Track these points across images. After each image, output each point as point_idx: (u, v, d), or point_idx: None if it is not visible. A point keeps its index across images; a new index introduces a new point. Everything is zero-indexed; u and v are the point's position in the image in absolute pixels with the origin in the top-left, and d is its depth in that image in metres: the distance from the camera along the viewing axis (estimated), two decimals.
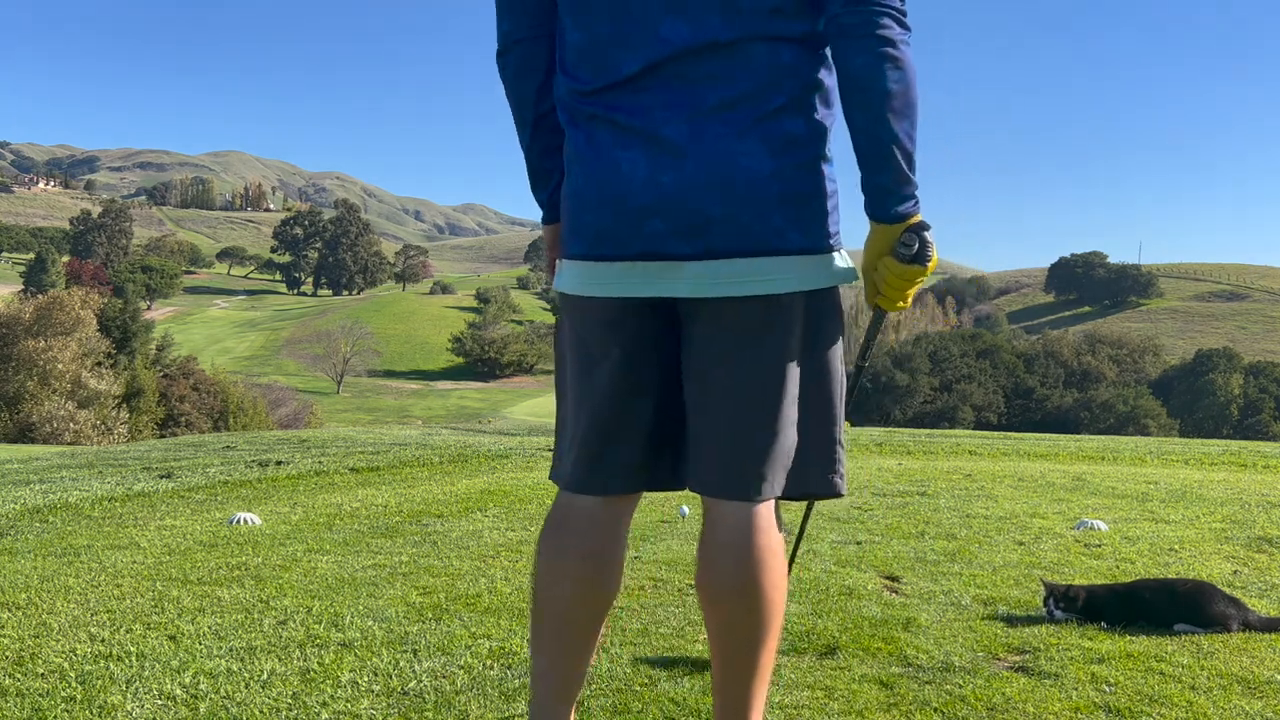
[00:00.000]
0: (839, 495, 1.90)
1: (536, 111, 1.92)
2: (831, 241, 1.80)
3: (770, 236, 1.74)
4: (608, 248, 1.78)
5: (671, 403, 1.88)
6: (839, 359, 1.89)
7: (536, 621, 1.93)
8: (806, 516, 2.37)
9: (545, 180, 1.98)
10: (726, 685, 1.86)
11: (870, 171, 1.73)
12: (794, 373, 1.81)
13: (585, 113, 1.81)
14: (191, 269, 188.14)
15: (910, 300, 1.84)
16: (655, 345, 1.85)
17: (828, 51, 1.79)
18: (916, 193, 1.76)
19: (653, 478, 1.91)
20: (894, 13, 1.69)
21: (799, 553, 4.19)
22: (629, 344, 1.84)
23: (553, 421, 2.08)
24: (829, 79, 1.80)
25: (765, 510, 1.83)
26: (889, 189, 1.73)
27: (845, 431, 1.94)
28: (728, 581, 1.80)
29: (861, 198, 1.76)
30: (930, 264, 1.78)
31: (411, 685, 2.56)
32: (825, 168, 1.80)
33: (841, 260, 1.83)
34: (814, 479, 1.87)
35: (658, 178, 1.73)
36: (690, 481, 1.88)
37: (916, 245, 1.76)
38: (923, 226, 1.76)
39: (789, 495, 1.85)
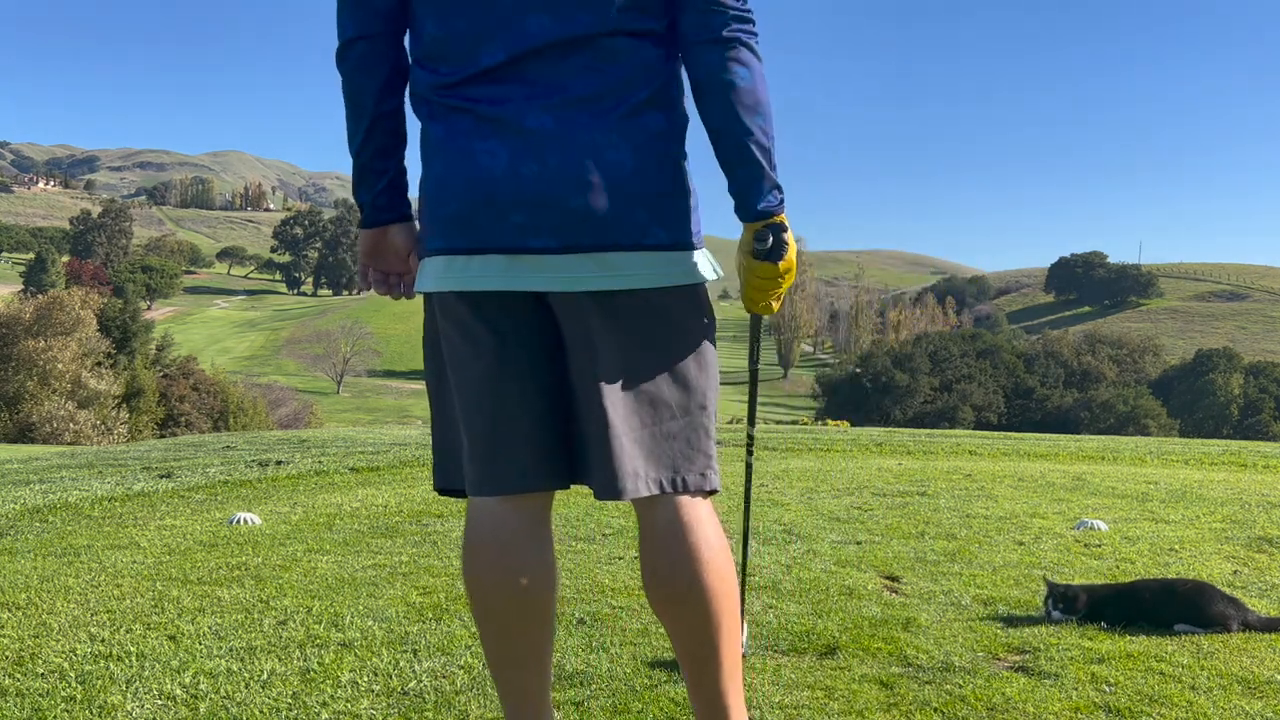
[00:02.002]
0: (713, 490, 1.85)
1: (376, 110, 1.85)
2: (694, 239, 1.81)
3: (633, 231, 1.74)
4: (469, 239, 1.75)
5: (559, 396, 1.84)
6: (709, 356, 1.86)
7: (483, 638, 1.88)
8: (747, 516, 2.36)
9: (373, 181, 1.90)
10: (699, 686, 1.85)
11: (730, 170, 1.76)
12: (661, 369, 1.80)
13: (445, 105, 1.78)
14: (191, 269, 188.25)
15: (776, 305, 1.85)
16: (530, 339, 1.81)
17: (678, 65, 1.81)
18: (778, 192, 1.77)
19: (552, 476, 1.84)
20: (738, 14, 1.73)
21: (786, 555, 4.20)
22: (501, 338, 1.80)
23: None
24: (682, 93, 1.82)
25: (693, 505, 1.80)
26: (748, 185, 1.75)
27: (718, 427, 1.91)
28: (668, 583, 1.79)
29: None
30: (784, 263, 1.78)
31: (411, 685, 2.56)
32: (685, 164, 1.81)
33: (703, 259, 1.83)
34: (689, 476, 1.82)
35: (519, 169, 1.72)
36: (581, 479, 1.86)
37: (770, 241, 1.76)
38: (782, 226, 1.77)
39: (668, 492, 1.80)
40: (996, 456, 10.61)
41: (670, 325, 1.81)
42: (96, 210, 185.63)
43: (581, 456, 1.84)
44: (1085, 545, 4.50)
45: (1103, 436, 20.97)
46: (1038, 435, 18.56)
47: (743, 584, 2.45)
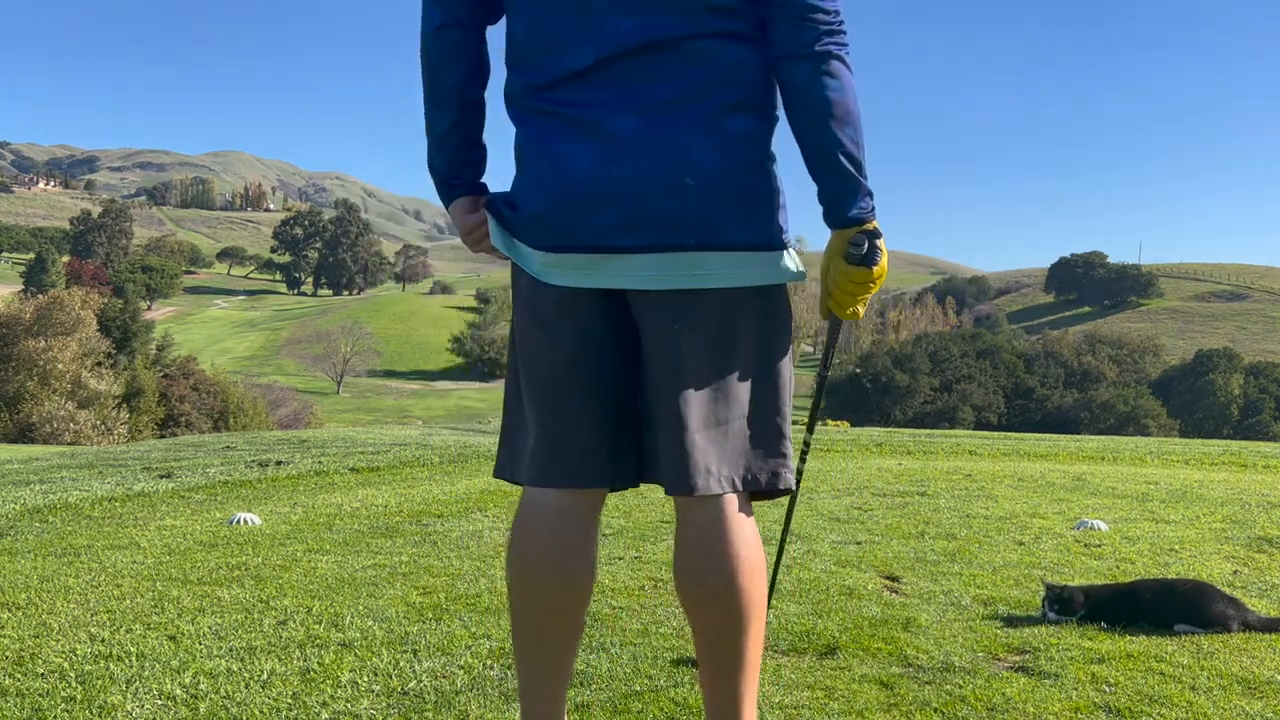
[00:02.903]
0: (788, 490, 1.89)
1: (462, 98, 1.89)
2: (780, 239, 1.82)
3: (717, 231, 1.76)
4: (557, 239, 1.78)
5: (630, 396, 1.87)
6: (786, 357, 1.89)
7: (517, 625, 1.91)
8: (788, 519, 2.37)
9: (461, 170, 1.94)
10: (714, 686, 1.86)
11: (821, 180, 1.78)
12: (740, 367, 1.82)
13: (534, 108, 1.81)
14: (191, 269, 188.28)
15: (862, 309, 1.87)
16: (609, 337, 1.85)
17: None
18: (870, 199, 1.80)
19: (616, 474, 1.89)
20: (829, 27, 1.74)
21: (786, 555, 4.19)
22: (580, 333, 1.84)
23: None
24: (774, 96, 1.83)
25: (735, 504, 1.82)
26: (840, 194, 1.77)
27: (796, 427, 1.96)
28: (704, 581, 1.80)
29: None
30: (877, 268, 1.81)
31: (411, 685, 2.56)
32: (772, 166, 1.83)
33: (789, 259, 1.84)
34: (761, 475, 1.85)
35: (606, 171, 1.74)
36: (647, 476, 1.89)
37: (865, 247, 1.78)
38: (875, 232, 1.80)
39: (739, 490, 1.83)
40: (996, 456, 10.61)
41: (751, 325, 1.83)
42: (96, 210, 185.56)
43: (650, 453, 1.86)
44: (1085, 545, 4.50)
45: (1103, 436, 20.98)
46: (1038, 435, 18.56)
47: (772, 585, 2.48)
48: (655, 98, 1.74)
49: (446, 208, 1.98)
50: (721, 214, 1.76)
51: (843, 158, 1.75)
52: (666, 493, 1.82)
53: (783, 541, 2.49)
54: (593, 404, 1.85)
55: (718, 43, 1.75)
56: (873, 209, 1.80)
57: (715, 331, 1.80)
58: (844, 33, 1.76)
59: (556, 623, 1.89)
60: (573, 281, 1.80)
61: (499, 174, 1.98)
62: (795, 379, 1.94)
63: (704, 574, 1.80)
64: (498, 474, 2.00)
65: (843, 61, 1.76)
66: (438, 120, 1.92)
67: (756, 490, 1.84)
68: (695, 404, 1.79)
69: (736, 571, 1.79)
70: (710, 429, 1.80)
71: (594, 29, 1.75)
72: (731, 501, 1.82)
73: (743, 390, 1.83)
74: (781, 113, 1.82)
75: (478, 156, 1.95)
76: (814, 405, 2.29)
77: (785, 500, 2.29)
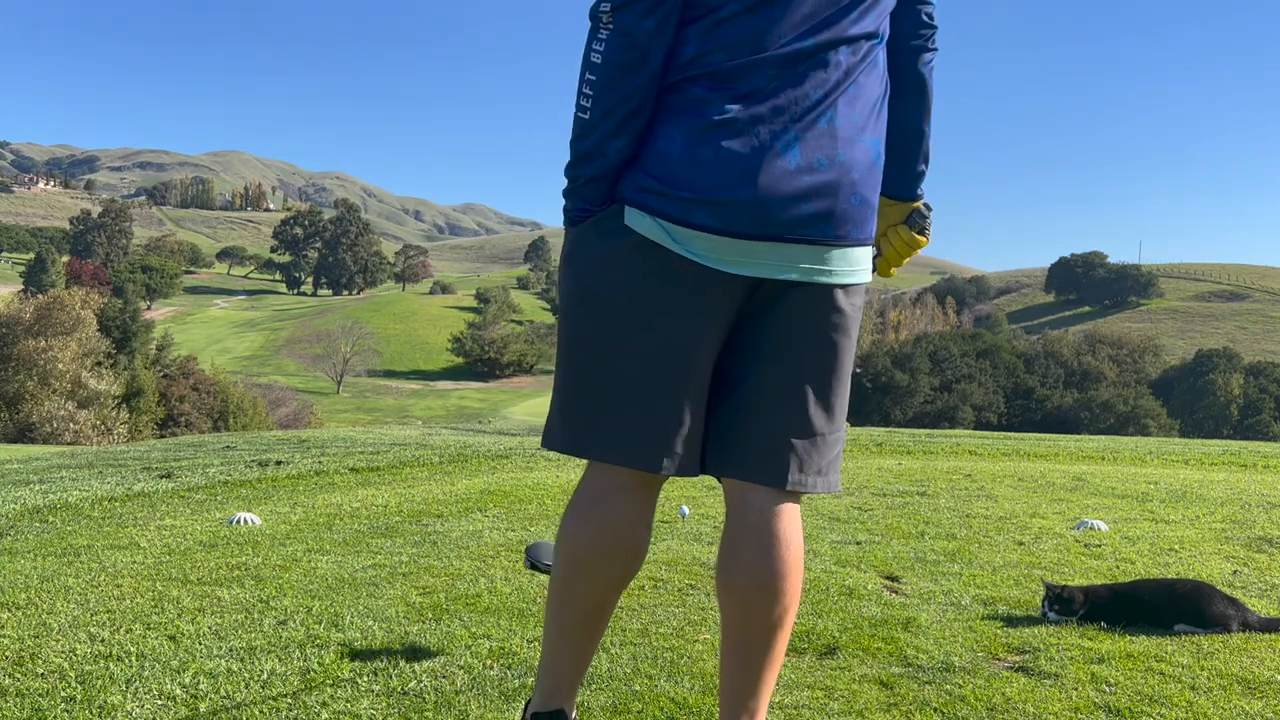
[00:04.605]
0: (838, 491, 1.97)
1: (657, 70, 1.75)
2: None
3: (869, 225, 1.86)
4: (749, 225, 1.73)
5: (711, 384, 1.88)
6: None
7: (566, 596, 1.92)
8: None
9: (617, 164, 1.80)
10: (736, 680, 1.86)
11: (910, 158, 1.99)
12: (851, 364, 1.91)
13: (737, 91, 1.74)
14: (191, 269, 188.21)
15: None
16: (725, 323, 1.83)
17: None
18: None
19: (687, 461, 1.86)
20: (936, 29, 1.97)
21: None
22: (698, 321, 1.79)
23: None
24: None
25: (793, 502, 1.87)
26: (919, 173, 2.02)
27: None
28: (751, 571, 1.82)
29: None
30: (928, 235, 2.06)
31: (411, 685, 2.56)
32: None
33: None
34: (831, 474, 1.92)
35: (812, 161, 1.75)
36: (726, 467, 1.87)
37: (929, 216, 2.04)
38: (929, 205, 2.06)
39: (816, 490, 1.89)
40: (996, 456, 10.61)
41: (857, 322, 1.92)
42: (96, 210, 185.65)
43: (729, 443, 1.86)
44: (1085, 545, 4.50)
45: (1103, 436, 20.97)
46: (1038, 435, 18.56)
47: None
48: (847, 94, 1.81)
49: (596, 209, 1.83)
50: (867, 208, 1.84)
51: (928, 145, 2.01)
52: (751, 479, 1.84)
53: None
54: (689, 390, 1.82)
55: (878, 43, 1.87)
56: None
57: (850, 326, 1.88)
58: None
59: (603, 600, 1.94)
60: (739, 269, 1.75)
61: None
62: None
63: (756, 563, 1.82)
64: (553, 447, 1.94)
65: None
66: (641, 107, 1.77)
67: (825, 491, 1.91)
68: (814, 398, 1.86)
69: (785, 568, 1.82)
70: (818, 424, 1.86)
71: (801, 21, 1.76)
72: (791, 503, 1.87)
73: (845, 389, 1.92)
74: None
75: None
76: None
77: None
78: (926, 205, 2.06)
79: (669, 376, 1.80)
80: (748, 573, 1.83)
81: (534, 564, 2.92)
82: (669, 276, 1.77)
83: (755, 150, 1.72)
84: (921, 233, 2.05)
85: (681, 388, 1.81)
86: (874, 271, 2.00)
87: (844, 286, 1.84)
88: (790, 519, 1.85)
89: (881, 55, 1.88)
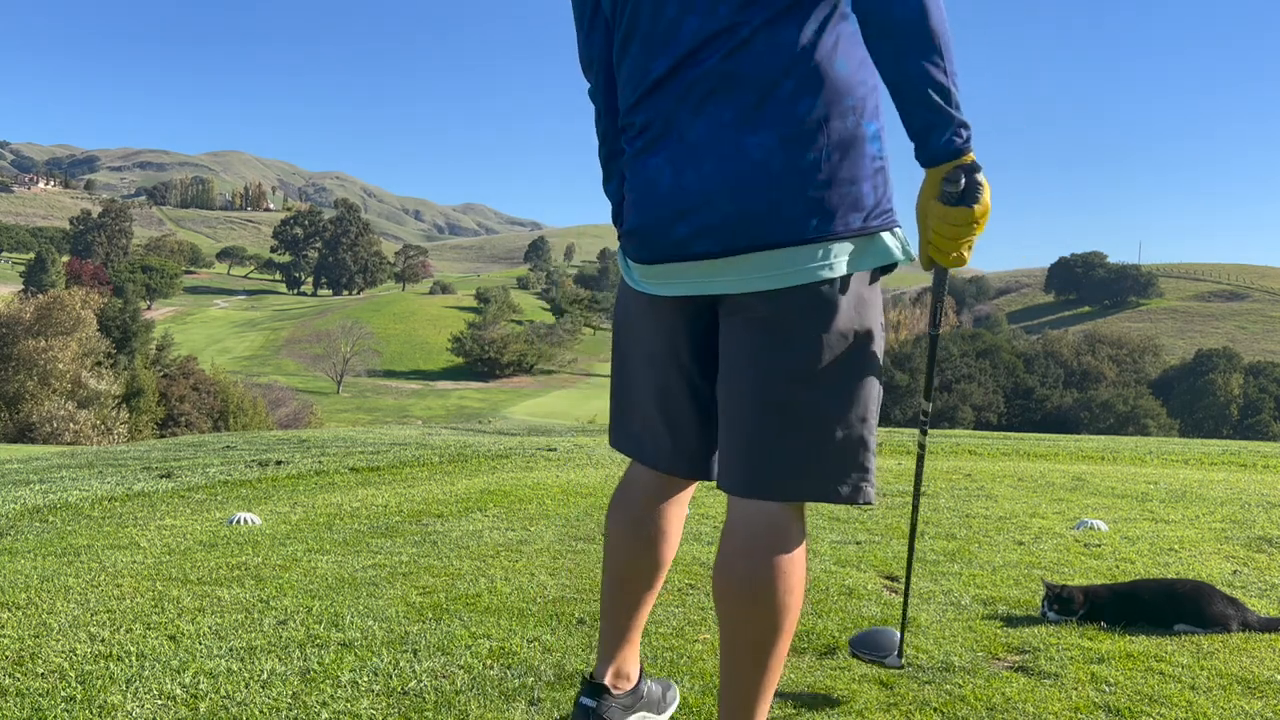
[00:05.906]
0: (867, 503, 1.84)
1: (607, 121, 2.05)
2: (867, 224, 1.73)
3: (791, 227, 1.70)
4: (645, 251, 1.87)
5: (707, 398, 1.97)
6: (871, 359, 1.80)
7: (603, 568, 2.17)
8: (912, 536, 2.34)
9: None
10: (732, 684, 1.86)
11: (905, 113, 1.64)
12: (818, 371, 1.76)
13: (633, 125, 1.89)
14: (191, 269, 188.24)
15: (969, 254, 1.70)
16: (687, 342, 1.94)
17: (841, 30, 1.72)
18: (965, 130, 1.63)
19: (694, 468, 2.03)
20: None
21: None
22: (659, 338, 1.97)
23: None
24: (847, 61, 1.72)
25: (786, 512, 1.82)
26: (927, 126, 1.63)
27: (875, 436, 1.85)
28: (740, 581, 1.81)
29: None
30: (979, 206, 1.62)
31: (411, 685, 2.56)
32: (860, 144, 1.73)
33: (887, 241, 1.77)
34: (842, 488, 1.82)
35: (680, 180, 1.77)
36: (715, 478, 1.96)
37: (963, 182, 1.60)
38: (974, 166, 1.62)
39: (812, 498, 1.83)
40: (996, 456, 10.61)
41: (832, 323, 1.75)
42: (96, 210, 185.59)
43: (724, 455, 1.89)
44: (1085, 545, 4.50)
45: (1103, 436, 20.96)
46: (1038, 435, 18.55)
47: (907, 586, 2.48)
48: (717, 94, 1.73)
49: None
50: (792, 207, 1.69)
51: (927, 87, 1.59)
52: (736, 494, 1.86)
53: (912, 539, 2.41)
54: (661, 403, 2.01)
55: (774, 29, 1.68)
56: (968, 139, 1.63)
57: (792, 333, 1.75)
58: None
59: (619, 572, 2.13)
60: (660, 290, 1.88)
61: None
62: None
63: (745, 575, 1.80)
64: (611, 444, 2.19)
65: None
66: (611, 153, 2.07)
67: (836, 502, 1.83)
68: (770, 412, 1.78)
69: (775, 579, 1.79)
70: (787, 437, 1.78)
71: (669, 36, 1.78)
72: (784, 509, 1.82)
73: (822, 396, 1.76)
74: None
75: None
76: (929, 371, 2.15)
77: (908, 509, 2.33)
78: (960, 169, 1.60)
79: (645, 387, 2.03)
80: (726, 580, 1.84)
81: (855, 653, 2.68)
82: (638, 303, 1.99)
83: (645, 180, 1.84)
84: (955, 203, 1.62)
85: (657, 400, 2.01)
86: (930, 264, 1.73)
87: (765, 293, 1.74)
88: (773, 527, 1.80)
89: (771, 33, 1.68)
